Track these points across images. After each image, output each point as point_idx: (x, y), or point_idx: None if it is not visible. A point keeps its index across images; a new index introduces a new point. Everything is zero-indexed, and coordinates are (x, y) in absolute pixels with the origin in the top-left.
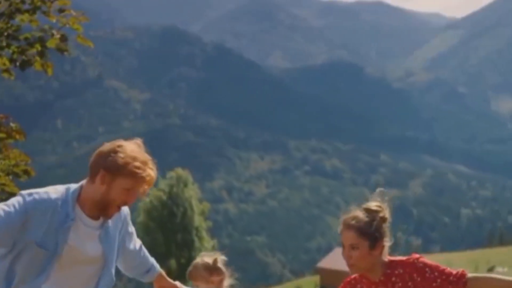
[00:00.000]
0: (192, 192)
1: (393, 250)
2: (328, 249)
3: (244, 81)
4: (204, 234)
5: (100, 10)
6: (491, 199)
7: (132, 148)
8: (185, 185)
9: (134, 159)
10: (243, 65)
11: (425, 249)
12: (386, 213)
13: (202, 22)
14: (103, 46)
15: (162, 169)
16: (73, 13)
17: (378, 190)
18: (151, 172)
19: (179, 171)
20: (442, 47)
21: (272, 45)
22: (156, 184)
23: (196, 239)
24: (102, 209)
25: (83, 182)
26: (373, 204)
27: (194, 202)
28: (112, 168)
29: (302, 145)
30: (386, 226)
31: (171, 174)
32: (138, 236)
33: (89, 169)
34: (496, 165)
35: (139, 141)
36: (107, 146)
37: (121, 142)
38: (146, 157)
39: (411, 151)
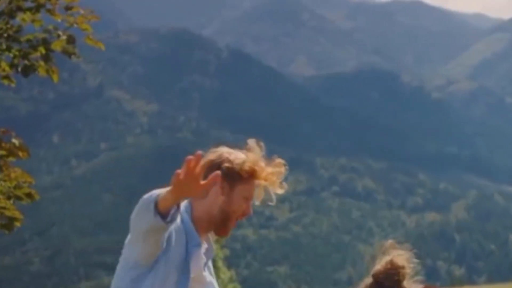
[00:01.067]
0: None
1: (434, 280)
2: (360, 281)
3: (264, 90)
4: (220, 264)
5: (102, 10)
6: None
7: (245, 152)
8: None
9: (254, 163)
10: (263, 72)
11: (469, 280)
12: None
13: (217, 24)
14: (105, 51)
15: None
16: (81, 11)
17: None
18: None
19: None
20: (487, 52)
21: (296, 50)
22: None
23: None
24: (221, 225)
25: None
26: (400, 258)
27: None
28: (231, 176)
29: (330, 163)
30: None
31: None
32: None
33: None
34: None
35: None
36: (213, 154)
37: (225, 148)
38: (262, 159)
39: (452, 170)
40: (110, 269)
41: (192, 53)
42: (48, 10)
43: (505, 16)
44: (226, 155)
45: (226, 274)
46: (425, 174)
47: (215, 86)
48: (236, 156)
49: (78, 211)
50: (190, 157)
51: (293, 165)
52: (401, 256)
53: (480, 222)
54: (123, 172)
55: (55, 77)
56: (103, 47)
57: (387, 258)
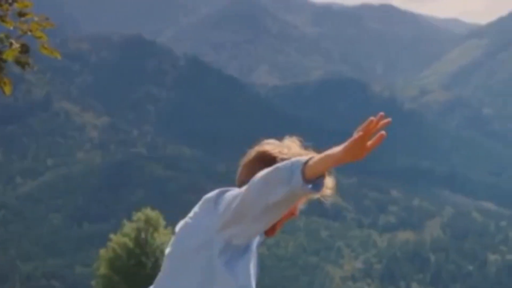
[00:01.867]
0: (164, 238)
1: None
2: None
3: (224, 102)
4: None
5: (50, 16)
6: None
7: (295, 147)
8: (156, 229)
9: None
10: (223, 82)
11: None
12: None
13: (173, 31)
14: (52, 60)
15: (127, 210)
16: (35, 17)
17: None
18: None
19: (148, 212)
20: (463, 60)
21: (258, 58)
22: (119, 229)
23: None
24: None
25: None
26: None
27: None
28: None
29: None
30: None
31: (138, 215)
32: None
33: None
34: None
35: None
36: (269, 146)
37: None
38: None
39: (427, 186)
40: None
41: (146, 62)
42: (0, 17)
43: (482, 21)
44: (285, 149)
45: None
46: (398, 190)
47: (171, 98)
48: (292, 152)
49: (24, 233)
50: (372, 118)
51: None
52: None
53: (457, 241)
54: (72, 190)
55: (7, 89)
56: (59, 56)
57: None
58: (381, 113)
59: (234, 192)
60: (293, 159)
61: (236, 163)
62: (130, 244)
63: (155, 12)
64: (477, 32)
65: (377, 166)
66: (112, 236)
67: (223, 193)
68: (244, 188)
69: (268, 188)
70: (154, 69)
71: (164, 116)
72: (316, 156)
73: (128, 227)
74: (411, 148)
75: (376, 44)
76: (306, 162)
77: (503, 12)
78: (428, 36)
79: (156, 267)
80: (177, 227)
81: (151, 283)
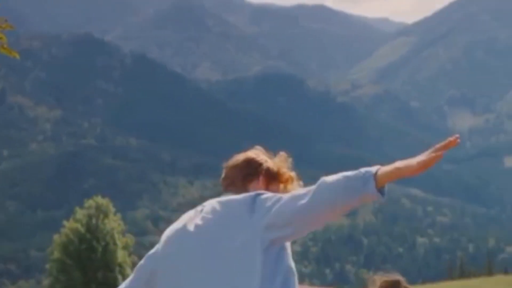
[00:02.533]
0: (114, 224)
1: (343, 283)
2: None
3: (169, 96)
4: (128, 271)
5: (2, 15)
6: (449, 226)
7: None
8: (106, 215)
9: (283, 161)
10: (168, 78)
11: None
12: None
13: (120, 30)
14: (6, 57)
15: (78, 198)
16: None
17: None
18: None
19: (99, 199)
20: (392, 56)
21: (200, 55)
22: (72, 215)
23: (119, 277)
24: None
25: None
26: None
27: (117, 235)
28: (270, 175)
29: None
30: None
31: (89, 203)
32: (52, 275)
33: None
34: (454, 188)
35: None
36: (253, 153)
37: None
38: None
39: None
40: (15, 277)
41: (95, 59)
42: None
43: (410, 20)
44: (265, 156)
45: None
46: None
47: (119, 92)
48: (273, 161)
49: None
50: (453, 138)
51: (198, 170)
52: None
53: (388, 225)
54: (26, 179)
55: None
56: (17, 56)
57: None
58: (457, 135)
59: (277, 196)
60: (363, 170)
61: (181, 154)
62: (82, 230)
63: (103, 11)
64: (404, 30)
65: (312, 155)
66: (65, 222)
67: (259, 195)
68: (294, 194)
69: (339, 194)
70: (103, 65)
71: (113, 109)
72: (383, 168)
73: (80, 213)
74: (343, 139)
75: (311, 42)
76: (376, 172)
77: (428, 12)
78: (360, 34)
79: (106, 251)
80: (190, 227)
81: (101, 267)
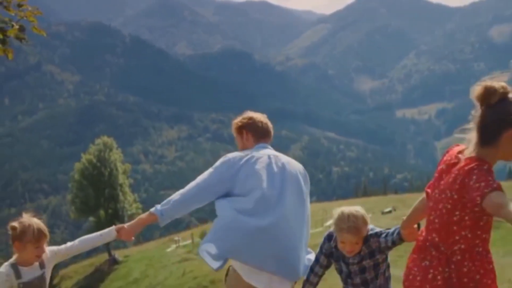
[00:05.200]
0: (116, 156)
1: None
2: None
3: (156, 66)
4: (126, 189)
5: (37, 6)
6: (355, 159)
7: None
8: (111, 150)
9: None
10: (155, 53)
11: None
12: None
13: (122, 18)
14: (41, 38)
15: (92, 137)
16: (29, 8)
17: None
18: None
19: (105, 139)
20: (314, 38)
21: (179, 37)
22: (87, 150)
23: (120, 193)
24: None
25: None
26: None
27: (118, 164)
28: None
29: (204, 117)
30: None
31: (99, 141)
32: (73, 192)
33: None
34: (359, 132)
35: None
36: (234, 122)
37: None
38: None
39: (291, 122)
40: (47, 194)
41: (104, 40)
42: (5, 7)
43: (327, 12)
44: (244, 118)
45: (131, 197)
46: (272, 125)
47: (121, 63)
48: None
49: (24, 152)
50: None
51: (177, 119)
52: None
53: (311, 158)
54: (55, 124)
55: (10, 56)
56: (45, 34)
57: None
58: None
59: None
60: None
61: (164, 107)
62: (94, 160)
63: (109, 5)
64: (323, 19)
65: (257, 108)
66: (82, 154)
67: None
68: None
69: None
70: (109, 44)
71: (116, 75)
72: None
73: (93, 148)
74: (280, 96)
75: (257, 28)
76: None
77: (341, 6)
78: (291, 22)
79: (111, 175)
80: (274, 167)
81: (107, 186)
